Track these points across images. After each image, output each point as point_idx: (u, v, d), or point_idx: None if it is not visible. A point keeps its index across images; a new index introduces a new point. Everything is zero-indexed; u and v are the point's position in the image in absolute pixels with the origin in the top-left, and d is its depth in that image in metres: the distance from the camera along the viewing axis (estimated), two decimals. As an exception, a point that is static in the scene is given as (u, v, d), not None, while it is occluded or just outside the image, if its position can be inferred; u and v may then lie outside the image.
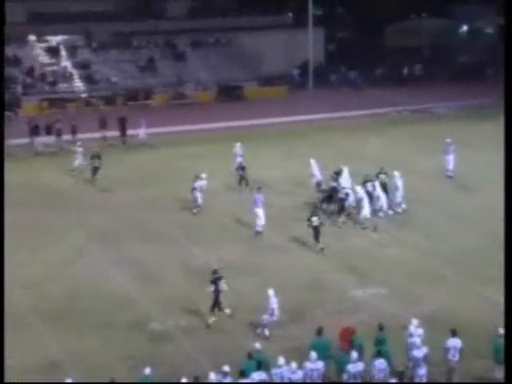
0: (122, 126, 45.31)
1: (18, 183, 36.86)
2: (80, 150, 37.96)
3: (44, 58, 60.03)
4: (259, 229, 29.62)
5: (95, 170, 36.38)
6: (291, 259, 27.65)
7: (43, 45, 60.88)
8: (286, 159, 39.92)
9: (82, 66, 59.85)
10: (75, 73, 59.33)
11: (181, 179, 34.95)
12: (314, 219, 28.04)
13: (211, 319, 22.84)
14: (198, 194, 31.86)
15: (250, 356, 18.49)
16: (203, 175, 32.11)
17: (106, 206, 33.43)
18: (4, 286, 23.54)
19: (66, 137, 44.00)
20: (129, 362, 20.65)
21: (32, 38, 60.57)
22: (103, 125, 45.44)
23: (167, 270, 26.74)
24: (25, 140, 43.61)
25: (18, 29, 58.55)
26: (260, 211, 29.71)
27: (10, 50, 57.16)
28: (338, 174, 32.43)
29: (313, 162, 33.52)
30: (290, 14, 73.20)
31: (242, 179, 34.63)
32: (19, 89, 55.96)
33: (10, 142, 43.42)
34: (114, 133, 45.10)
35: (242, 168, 34.88)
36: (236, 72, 61.86)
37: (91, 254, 28.36)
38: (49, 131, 44.39)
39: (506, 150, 22.52)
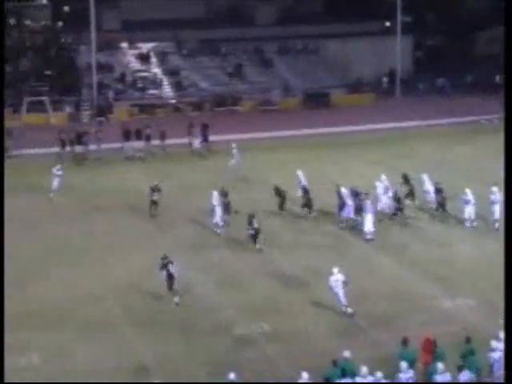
0: (204, 132, 45.88)
1: (107, 187, 37.71)
2: (59, 173, 36.13)
3: (135, 65, 61.37)
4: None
5: (153, 203, 33.23)
6: (376, 267, 27.53)
7: (135, 51, 62.23)
8: (371, 167, 39.73)
9: (172, 73, 60.89)
10: (165, 79, 60.43)
11: (265, 186, 35.11)
12: (254, 221, 28.88)
13: (176, 299, 24.60)
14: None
15: (334, 363, 18.48)
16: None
17: (191, 211, 33.84)
18: (4, 285, 23.91)
19: (155, 142, 44.92)
20: (213, 366, 20.91)
21: (124, 45, 62.00)
22: (191, 131, 46.14)
23: (251, 276, 26.94)
24: (116, 145, 44.64)
25: (111, 36, 60.05)
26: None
27: (103, 57, 58.65)
28: (405, 179, 33.07)
29: (300, 173, 34.11)
30: (379, 21, 72.66)
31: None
32: (111, 94, 57.31)
33: (101, 146, 44.58)
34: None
35: (225, 194, 32.16)
36: (323, 79, 61.88)
37: (177, 259, 28.79)
38: (138, 136, 45.34)
39: (505, 153, 22.59)
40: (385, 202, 32.07)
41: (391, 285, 25.93)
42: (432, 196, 32.71)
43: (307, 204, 32.68)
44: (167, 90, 59.92)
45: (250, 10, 68.30)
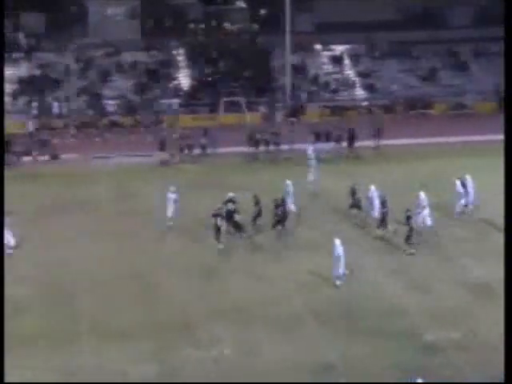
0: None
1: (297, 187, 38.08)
2: (174, 196, 33.10)
3: (328, 67, 62.04)
4: None
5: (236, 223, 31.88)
6: None
7: (328, 53, 62.92)
8: None
9: (364, 75, 61.06)
10: (357, 81, 60.72)
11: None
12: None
13: (220, 246, 29.82)
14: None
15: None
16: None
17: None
18: (4, 284, 24.37)
19: (345, 144, 45.42)
20: (400, 370, 21.06)
21: (317, 47, 62.87)
22: (377, 134, 46.19)
23: (442, 282, 26.80)
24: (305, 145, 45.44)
25: (305, 38, 61.10)
26: None
27: (296, 59, 59.80)
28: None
29: (288, 183, 33.80)
30: None
31: None
32: (304, 96, 58.34)
33: (292, 146, 45.59)
34: (389, 141, 45.76)
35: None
36: (520, 82, 59.84)
37: (365, 261, 29.08)
38: (328, 138, 45.94)
39: (505, 154, 22.71)
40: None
41: None
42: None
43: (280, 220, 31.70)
44: (359, 92, 60.19)
45: (443, 12, 67.09)
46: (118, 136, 50.96)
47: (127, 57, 60.09)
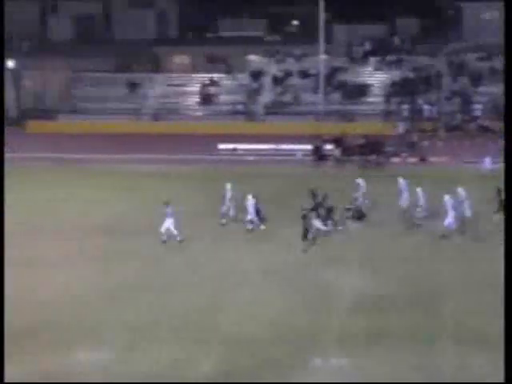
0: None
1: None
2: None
3: None
4: None
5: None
6: None
7: None
8: None
9: None
10: None
11: None
12: None
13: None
14: None
15: None
16: None
17: None
18: (4, 285, 23.26)
19: None
20: None
21: None
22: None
23: None
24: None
25: None
26: None
27: None
28: None
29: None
30: None
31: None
32: None
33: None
34: None
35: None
36: None
37: None
38: None
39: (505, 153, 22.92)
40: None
41: None
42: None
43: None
44: None
45: None
46: (487, 141, 50.60)
47: (499, 61, 59.30)
